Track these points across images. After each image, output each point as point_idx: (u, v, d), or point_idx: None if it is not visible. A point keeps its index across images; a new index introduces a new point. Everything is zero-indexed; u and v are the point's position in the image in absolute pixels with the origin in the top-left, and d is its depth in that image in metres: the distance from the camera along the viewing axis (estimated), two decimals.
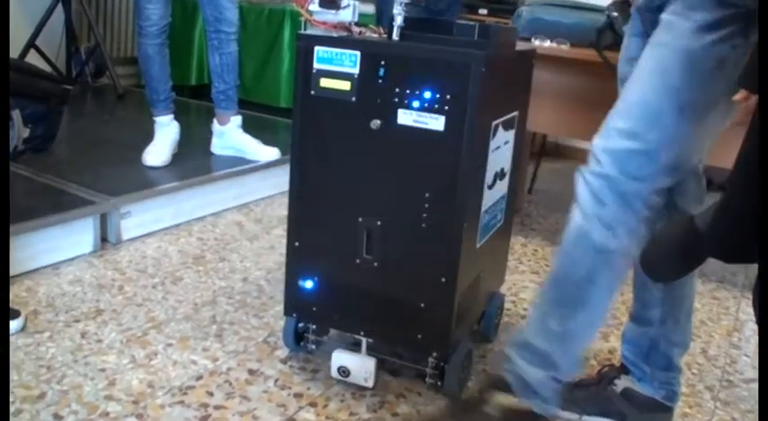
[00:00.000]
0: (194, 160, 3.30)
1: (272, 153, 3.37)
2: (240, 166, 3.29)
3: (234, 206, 3.26)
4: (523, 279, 2.74)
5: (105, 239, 2.73)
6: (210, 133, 3.48)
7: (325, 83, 1.75)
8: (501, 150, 1.90)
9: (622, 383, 1.84)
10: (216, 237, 2.89)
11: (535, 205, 3.74)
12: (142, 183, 2.89)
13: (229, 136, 3.41)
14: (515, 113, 1.97)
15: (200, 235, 2.91)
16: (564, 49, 2.85)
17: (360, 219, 1.80)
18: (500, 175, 1.94)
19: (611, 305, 2.51)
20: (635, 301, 1.85)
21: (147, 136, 3.30)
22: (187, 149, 3.48)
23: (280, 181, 3.40)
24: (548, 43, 2.87)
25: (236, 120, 3.44)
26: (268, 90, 4.65)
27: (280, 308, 2.31)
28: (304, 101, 1.78)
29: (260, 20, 4.71)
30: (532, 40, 2.90)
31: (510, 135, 1.96)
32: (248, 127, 3.52)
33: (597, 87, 2.91)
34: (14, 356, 1.93)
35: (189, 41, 4.95)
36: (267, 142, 3.47)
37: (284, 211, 3.24)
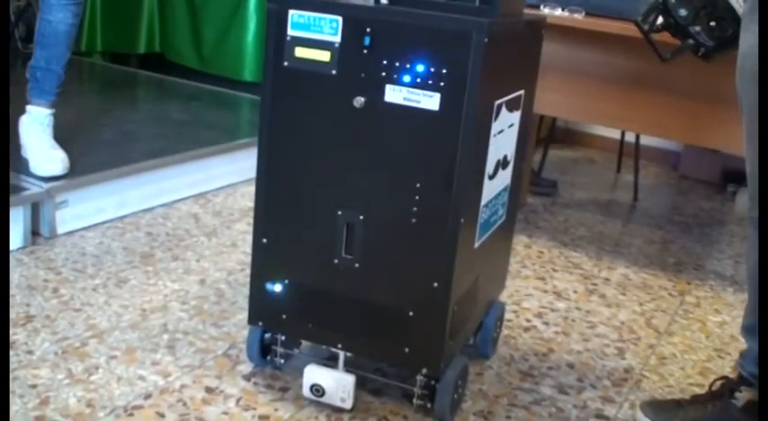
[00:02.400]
0: (143, 141, 3.28)
1: (51, 167, 2.76)
2: (198, 149, 3.28)
3: (189, 195, 3.25)
4: (527, 286, 2.76)
5: (37, 233, 2.72)
6: (163, 111, 3.47)
7: (300, 52, 1.74)
8: (504, 134, 1.90)
9: (744, 396, 1.85)
10: (168, 232, 2.88)
11: (541, 200, 3.75)
12: (81, 167, 2.87)
13: (21, 129, 2.90)
14: (521, 92, 1.98)
15: (149, 229, 2.89)
16: (577, 18, 2.86)
17: (339, 213, 1.79)
18: (503, 164, 1.95)
19: (627, 317, 2.53)
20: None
21: (87, 112, 3.28)
22: (135, 128, 3.46)
23: (244, 166, 3.39)
24: (559, 12, 2.88)
25: (38, 113, 2.87)
26: (230, 61, 4.64)
27: (243, 315, 2.31)
28: (275, 74, 1.77)
29: None
30: (541, 7, 2.91)
31: (515, 117, 1.97)
32: (208, 104, 3.51)
33: (615, 64, 2.94)
34: None
35: (138, 4, 4.93)
36: (230, 122, 3.46)
37: (249, 202, 3.24)
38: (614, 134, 4.47)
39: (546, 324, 2.49)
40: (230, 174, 3.41)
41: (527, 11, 2.58)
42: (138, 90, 4.36)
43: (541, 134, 4.24)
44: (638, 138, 4.06)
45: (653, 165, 4.62)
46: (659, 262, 3.12)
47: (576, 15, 2.87)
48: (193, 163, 3.25)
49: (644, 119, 2.94)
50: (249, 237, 1.93)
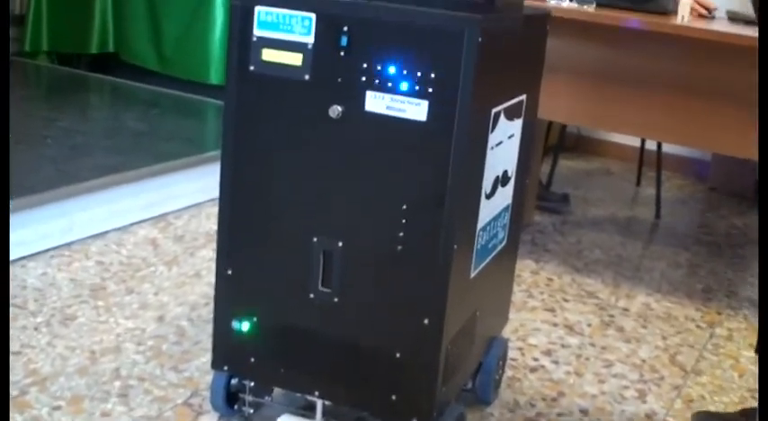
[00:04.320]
0: (94, 156, 3.27)
1: None
2: (157, 164, 3.27)
3: (147, 218, 3.23)
4: (534, 318, 2.74)
5: None
6: (118, 120, 3.45)
7: (268, 55, 1.73)
8: (504, 147, 1.89)
9: None
10: (122, 261, 2.86)
11: (550, 217, 3.75)
12: (21, 186, 2.85)
13: None
14: (522, 98, 1.97)
15: (100, 257, 2.87)
16: (588, 11, 2.86)
17: (314, 239, 1.78)
18: (502, 180, 1.94)
19: (649, 354, 2.52)
20: None
21: (29, 122, 3.26)
22: (84, 140, 3.45)
23: (210, 184, 3.36)
24: (566, 3, 2.88)
25: None
26: (194, 62, 4.62)
27: (207, 358, 2.28)
28: (240, 80, 1.76)
29: None
30: None
31: (515, 126, 1.96)
32: (169, 111, 3.50)
33: (631, 63, 2.93)
34: None
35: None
36: (194, 132, 3.45)
37: (216, 225, 3.21)
38: (633, 141, 4.47)
39: (556, 363, 2.47)
40: (194, 192, 3.39)
41: (530, 3, 2.59)
42: (88, 96, 4.35)
43: (550, 142, 4.24)
44: (659, 146, 4.06)
45: (677, 177, 4.62)
46: (685, 289, 3.11)
47: (585, 7, 2.88)
48: (152, 180, 3.23)
49: (666, 125, 2.93)
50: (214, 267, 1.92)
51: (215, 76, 4.57)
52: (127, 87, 4.44)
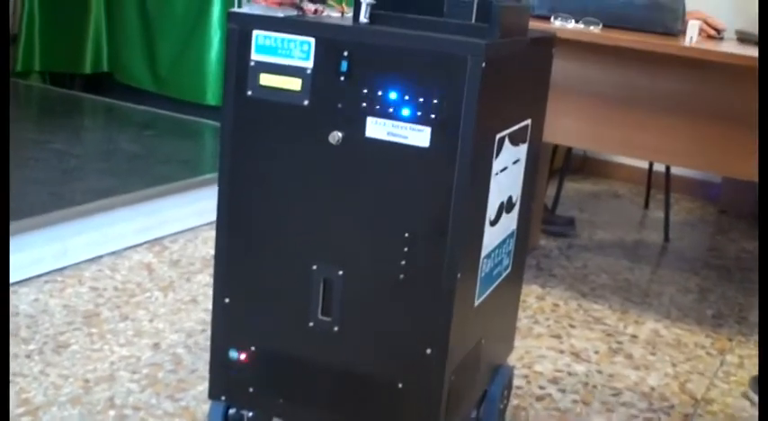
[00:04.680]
0: (87, 179, 3.28)
1: None
2: (152, 187, 3.28)
3: (142, 242, 3.24)
4: (539, 345, 2.75)
5: None
6: (112, 142, 3.47)
7: (266, 80, 1.74)
8: (508, 172, 1.90)
9: None
10: (116, 287, 2.87)
11: (556, 241, 3.75)
12: (14, 210, 2.85)
13: None
14: (527, 122, 1.98)
15: (93, 283, 2.88)
16: (594, 32, 2.87)
17: (314, 267, 1.79)
18: (507, 206, 1.95)
19: (658, 382, 2.52)
20: None
21: (22, 145, 3.27)
22: (78, 163, 3.46)
23: (206, 207, 3.36)
24: (572, 24, 2.90)
25: None
26: (191, 82, 4.65)
27: (204, 386, 2.28)
28: (237, 105, 1.77)
29: None
30: (552, 19, 2.93)
31: (521, 151, 1.97)
32: (164, 133, 3.52)
33: (638, 85, 2.95)
34: None
35: (82, 17, 4.94)
36: (190, 154, 3.46)
37: (212, 250, 3.20)
38: (641, 163, 4.49)
39: (562, 391, 2.48)
40: (190, 216, 3.40)
41: (536, 24, 2.61)
42: (82, 117, 4.36)
43: (556, 164, 4.25)
44: (668, 167, 4.07)
45: (687, 199, 4.63)
46: (695, 314, 3.11)
47: (592, 28, 2.89)
48: (146, 204, 3.24)
49: (674, 148, 2.94)
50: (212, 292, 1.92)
51: (211, 96, 4.59)
52: (121, 108, 4.45)
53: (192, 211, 3.40)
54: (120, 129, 4.08)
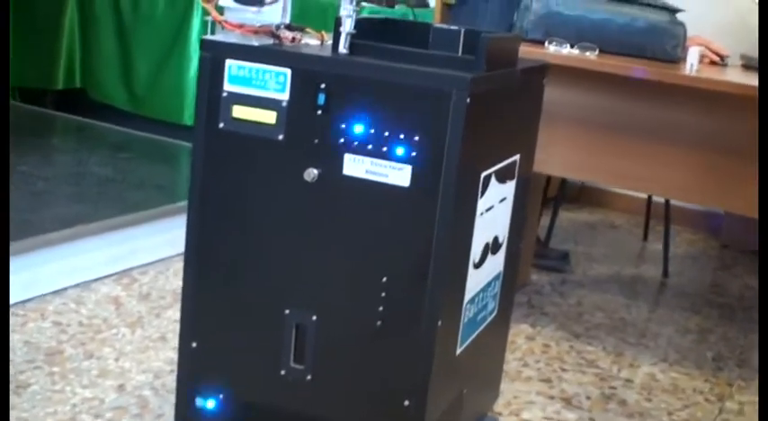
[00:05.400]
0: (55, 205, 3.26)
1: None
2: (123, 215, 3.26)
3: (110, 274, 3.21)
4: (528, 390, 2.73)
5: None
6: (83, 164, 3.45)
7: (239, 113, 1.74)
8: (495, 212, 1.89)
9: None
10: (81, 322, 2.84)
11: (549, 276, 3.74)
12: None
13: None
14: (515, 158, 1.97)
15: (57, 317, 2.86)
16: (590, 58, 2.87)
17: (286, 312, 1.78)
18: (493, 248, 1.94)
19: None
20: None
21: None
22: (46, 187, 3.44)
23: (180, 237, 3.33)
24: (567, 50, 2.89)
25: None
26: (168, 101, 4.64)
27: None
28: (208, 138, 1.77)
29: (157, 2, 4.71)
30: (546, 44, 2.92)
31: (508, 189, 1.96)
32: (139, 155, 3.50)
33: (636, 113, 2.94)
34: None
35: (54, 32, 4.93)
36: (164, 179, 3.44)
37: None
38: (640, 192, 4.48)
39: None
40: (162, 246, 3.38)
41: (529, 49, 2.61)
42: (52, 137, 4.35)
43: (550, 192, 4.24)
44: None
45: (688, 231, 4.63)
46: (694, 357, 3.10)
47: (588, 54, 2.88)
48: (116, 232, 3.23)
49: (674, 182, 2.93)
50: None
51: (189, 116, 4.57)
52: (94, 128, 4.44)
53: (165, 241, 3.37)
54: (93, 151, 4.06)
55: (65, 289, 3.05)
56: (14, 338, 2.68)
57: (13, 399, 2.36)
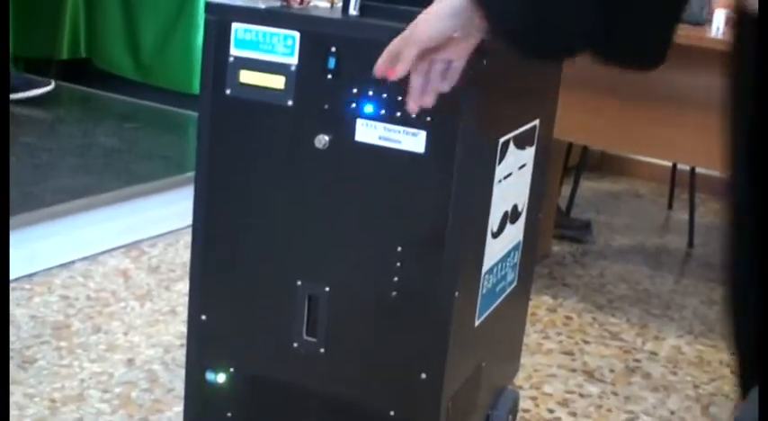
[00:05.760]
0: (60, 176, 3.26)
1: None
2: (131, 186, 3.26)
3: (119, 246, 3.22)
4: (550, 363, 2.72)
5: None
6: (88, 135, 3.44)
7: (247, 78, 1.72)
8: (513, 179, 1.88)
9: None
10: (89, 295, 2.85)
11: (570, 247, 3.73)
12: None
13: None
14: (535, 123, 1.96)
15: (64, 291, 2.86)
16: None
17: (298, 283, 1.77)
18: (512, 216, 1.93)
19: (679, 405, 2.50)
20: None
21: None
22: (50, 159, 3.44)
23: (189, 208, 3.32)
24: None
25: None
26: (176, 70, 4.61)
27: (180, 408, 2.25)
28: (215, 104, 1.75)
29: None
30: None
31: (527, 155, 1.95)
32: (146, 126, 3.50)
33: (664, 77, 2.90)
34: None
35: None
36: (173, 149, 3.43)
37: None
38: (665, 160, 4.45)
39: (573, 415, 2.46)
40: (172, 217, 3.38)
41: None
42: (56, 107, 4.33)
43: (571, 161, 4.22)
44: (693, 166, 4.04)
45: (713, 200, 4.59)
46: (720, 329, 3.08)
47: None
48: (124, 204, 3.23)
49: (699, 148, 2.90)
50: None
51: (198, 85, 4.55)
52: (100, 98, 4.43)
53: (174, 212, 3.37)
54: (98, 122, 4.05)
55: (72, 262, 3.06)
56: (20, 312, 2.69)
57: (19, 375, 2.37)
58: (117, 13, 4.80)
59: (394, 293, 1.71)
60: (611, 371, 2.71)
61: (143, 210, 3.30)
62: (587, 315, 3.08)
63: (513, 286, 2.04)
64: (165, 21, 4.68)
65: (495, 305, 1.93)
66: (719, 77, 2.52)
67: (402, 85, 1.61)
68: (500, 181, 1.80)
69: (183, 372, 2.36)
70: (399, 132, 1.65)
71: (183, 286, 2.96)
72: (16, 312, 2.69)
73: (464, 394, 1.86)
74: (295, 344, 1.80)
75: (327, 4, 1.80)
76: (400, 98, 1.63)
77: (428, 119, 1.63)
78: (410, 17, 1.68)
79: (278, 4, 1.75)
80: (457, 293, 1.69)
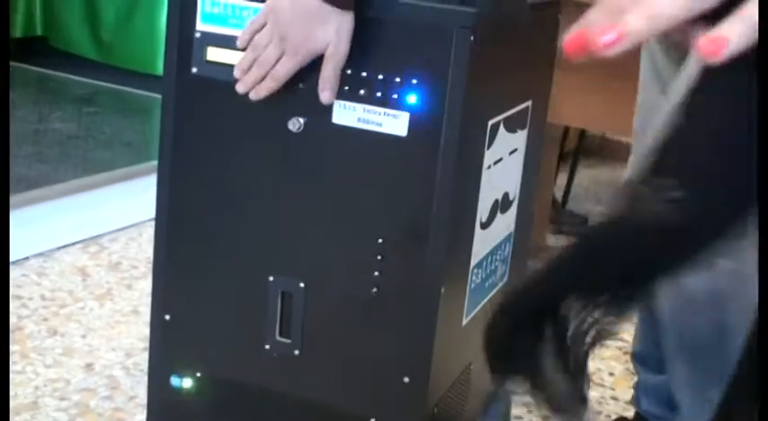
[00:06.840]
0: (13, 165, 3.24)
1: None
2: (89, 175, 3.26)
3: (76, 241, 3.22)
4: None
5: None
6: (44, 120, 3.43)
7: (214, 55, 1.72)
8: (504, 165, 1.88)
9: None
10: (43, 295, 2.85)
11: (567, 239, 3.73)
12: None
13: None
14: (527, 104, 1.96)
15: (17, 291, 2.87)
16: None
17: (270, 279, 1.77)
18: (502, 205, 1.93)
19: None
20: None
21: None
22: None
23: (152, 200, 3.35)
24: None
25: None
26: (138, 49, 4.63)
27: (143, 416, 2.25)
28: (180, 84, 1.75)
29: None
30: None
31: (519, 139, 1.95)
32: (107, 110, 3.49)
33: None
34: None
35: None
36: (136, 135, 3.43)
37: None
38: None
39: None
40: (134, 209, 3.38)
41: None
42: (10, 89, 4.33)
43: (568, 146, 4.22)
44: None
45: None
46: None
47: None
48: (83, 195, 3.23)
49: None
50: None
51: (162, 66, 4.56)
52: (56, 79, 4.43)
53: (136, 204, 3.37)
54: (55, 105, 4.05)
55: (25, 258, 3.06)
56: None
57: None
58: None
59: (374, 289, 1.71)
60: (611, 374, 2.73)
61: (103, 201, 3.30)
62: None
63: (503, 281, 2.04)
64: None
65: (484, 301, 1.94)
66: None
67: (381, 64, 1.62)
68: (489, 167, 1.80)
69: (145, 378, 2.36)
70: (380, 114, 1.64)
71: (147, 284, 2.95)
72: None
73: (451, 399, 1.86)
74: (267, 346, 1.79)
75: None
76: (381, 77, 1.63)
77: (411, 99, 1.62)
78: None
79: None
80: (443, 289, 1.69)
